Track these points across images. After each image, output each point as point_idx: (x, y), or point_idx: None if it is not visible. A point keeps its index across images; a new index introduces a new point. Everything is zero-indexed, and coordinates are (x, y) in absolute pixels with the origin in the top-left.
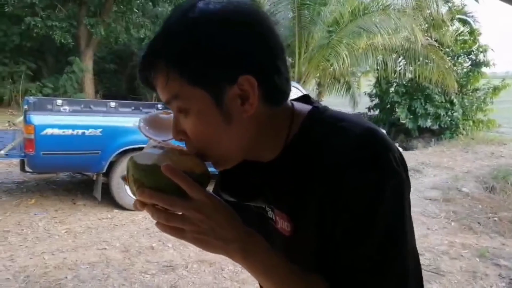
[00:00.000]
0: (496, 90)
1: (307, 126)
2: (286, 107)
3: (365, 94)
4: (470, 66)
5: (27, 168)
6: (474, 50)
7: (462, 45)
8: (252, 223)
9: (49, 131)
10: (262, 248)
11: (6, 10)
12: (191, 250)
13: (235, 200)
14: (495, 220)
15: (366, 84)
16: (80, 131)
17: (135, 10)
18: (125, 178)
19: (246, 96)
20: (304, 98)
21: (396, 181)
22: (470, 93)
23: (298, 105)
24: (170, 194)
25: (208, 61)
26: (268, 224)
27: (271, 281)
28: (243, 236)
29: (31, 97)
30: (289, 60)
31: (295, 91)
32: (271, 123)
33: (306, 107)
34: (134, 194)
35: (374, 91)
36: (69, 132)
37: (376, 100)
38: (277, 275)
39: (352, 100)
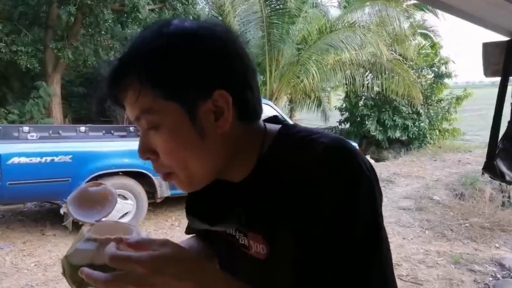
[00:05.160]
0: (459, 99)
1: (276, 144)
2: (259, 127)
3: (336, 108)
4: (433, 78)
5: None
6: (436, 62)
7: (425, 58)
8: (222, 253)
9: (15, 160)
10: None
11: None
12: None
13: (204, 224)
14: (466, 226)
15: (336, 98)
16: (48, 159)
17: (103, 33)
18: (63, 274)
19: (221, 112)
20: (274, 118)
21: (369, 187)
22: (435, 104)
23: (269, 125)
24: None
25: (182, 76)
26: (239, 252)
27: None
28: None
29: None
30: (260, 78)
31: (267, 109)
32: (244, 142)
33: (276, 126)
34: None
35: (344, 105)
36: (37, 160)
37: (346, 114)
38: None
39: (324, 115)
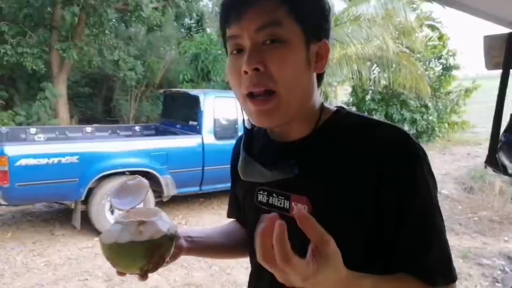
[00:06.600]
0: (467, 91)
1: (335, 116)
2: (318, 97)
3: (343, 103)
4: (441, 70)
5: (1, 201)
6: (444, 54)
7: (432, 50)
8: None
9: (23, 161)
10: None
11: None
12: (177, 274)
13: (260, 167)
14: (475, 219)
15: (343, 93)
16: (56, 160)
17: (107, 32)
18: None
19: (320, 58)
20: None
21: (430, 166)
22: (443, 96)
23: (326, 104)
24: (137, 263)
25: (316, 12)
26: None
27: None
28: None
29: (3, 127)
30: None
31: None
32: (312, 102)
33: (332, 106)
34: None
35: (351, 99)
36: (44, 161)
37: (354, 109)
38: None
39: None
